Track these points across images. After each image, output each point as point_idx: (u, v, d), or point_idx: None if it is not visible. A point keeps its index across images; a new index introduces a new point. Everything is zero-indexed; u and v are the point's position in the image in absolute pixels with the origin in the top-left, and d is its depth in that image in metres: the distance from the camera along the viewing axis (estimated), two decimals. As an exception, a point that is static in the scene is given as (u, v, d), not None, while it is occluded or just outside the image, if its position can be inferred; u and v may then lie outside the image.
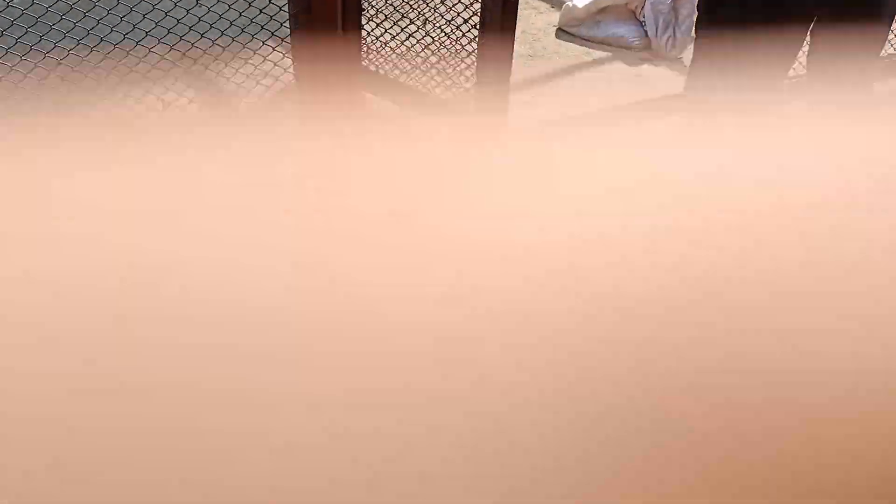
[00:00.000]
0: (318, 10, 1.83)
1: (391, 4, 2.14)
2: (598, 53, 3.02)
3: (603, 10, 3.06)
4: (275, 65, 1.92)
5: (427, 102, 2.34)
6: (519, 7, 2.44)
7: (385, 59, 2.23)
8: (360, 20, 2.02)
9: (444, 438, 0.13)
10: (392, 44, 2.20)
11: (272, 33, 1.87)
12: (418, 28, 2.17)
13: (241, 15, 1.83)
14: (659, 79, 2.86)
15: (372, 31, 2.17)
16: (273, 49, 1.92)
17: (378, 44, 2.21)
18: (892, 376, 0.14)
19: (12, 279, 0.13)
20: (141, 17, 1.71)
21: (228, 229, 0.14)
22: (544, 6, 3.44)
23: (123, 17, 1.69)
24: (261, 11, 1.84)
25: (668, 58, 2.99)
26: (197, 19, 1.79)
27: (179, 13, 1.76)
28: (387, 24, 2.19)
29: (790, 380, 0.13)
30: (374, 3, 2.10)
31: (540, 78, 2.84)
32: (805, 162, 0.16)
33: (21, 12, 1.69)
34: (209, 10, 1.81)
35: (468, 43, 2.22)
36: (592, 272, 0.14)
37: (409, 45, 2.20)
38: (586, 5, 3.09)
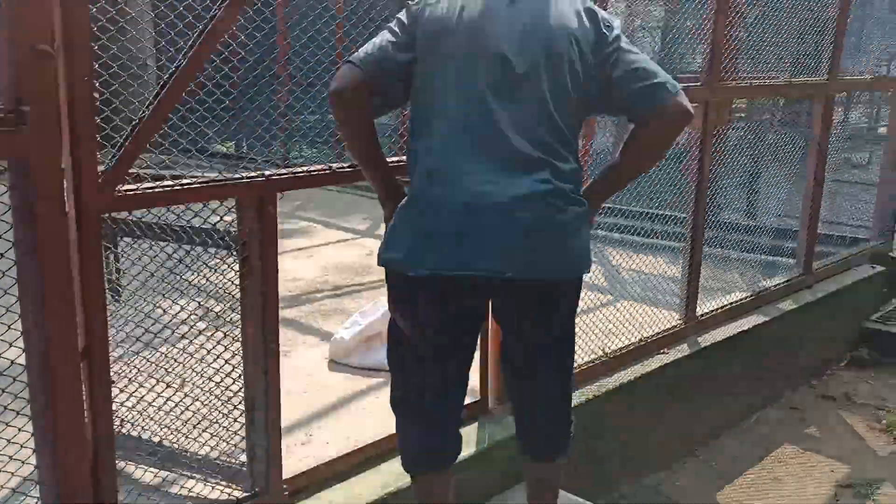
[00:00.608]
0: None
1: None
2: (373, 380, 3.08)
3: (371, 338, 3.17)
4: None
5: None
6: (287, 344, 2.48)
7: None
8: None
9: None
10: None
11: None
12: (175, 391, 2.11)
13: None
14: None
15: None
16: None
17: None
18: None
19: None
20: None
21: None
22: (313, 339, 3.52)
23: None
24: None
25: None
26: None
27: None
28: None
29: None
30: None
31: (315, 414, 2.83)
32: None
33: None
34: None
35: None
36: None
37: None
38: (353, 336, 3.20)
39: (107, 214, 1.85)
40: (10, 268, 1.62)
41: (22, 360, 1.67)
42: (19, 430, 1.74)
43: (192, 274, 2.19)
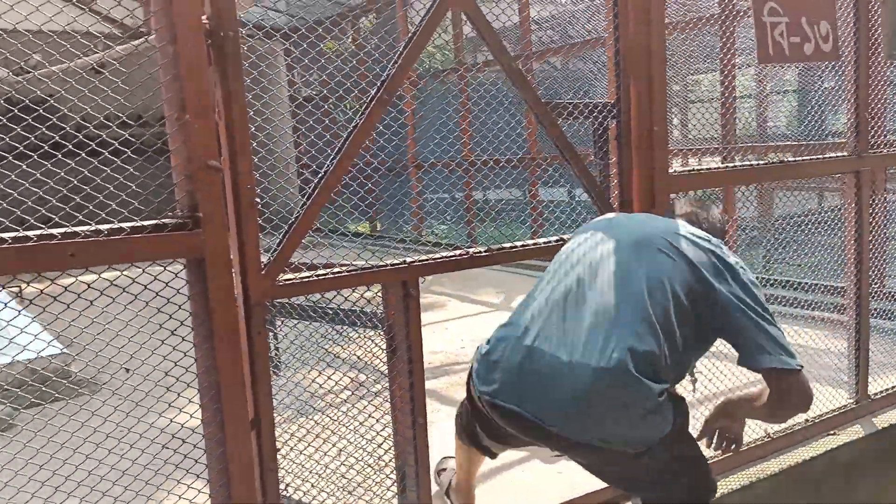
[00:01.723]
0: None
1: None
2: (520, 453, 3.16)
3: None
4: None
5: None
6: (432, 415, 2.64)
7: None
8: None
9: None
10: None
11: None
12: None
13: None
14: None
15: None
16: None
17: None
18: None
19: None
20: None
21: None
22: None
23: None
24: None
25: None
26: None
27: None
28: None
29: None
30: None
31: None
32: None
33: None
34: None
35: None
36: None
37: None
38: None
39: (269, 301, 2.12)
40: (189, 349, 1.90)
41: (200, 429, 1.93)
42: (199, 491, 2.00)
43: (343, 349, 2.41)
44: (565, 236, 2.62)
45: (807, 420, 3.29)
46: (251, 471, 1.99)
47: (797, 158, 3.71)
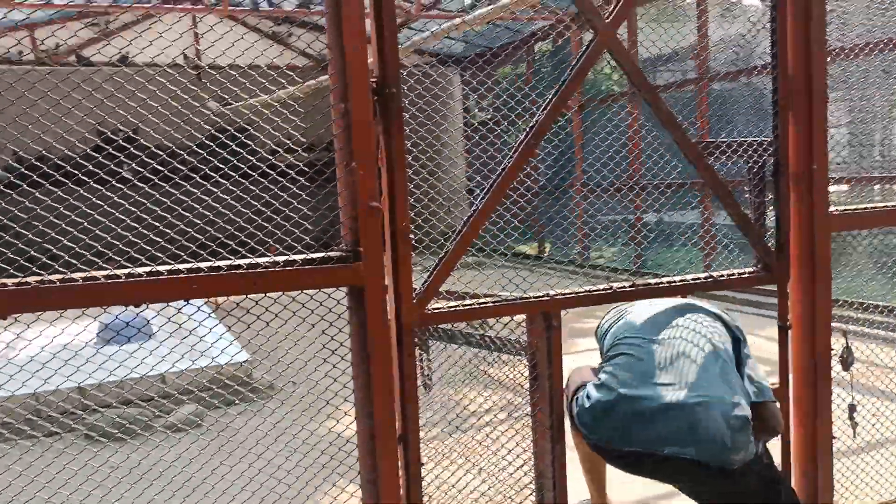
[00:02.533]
0: None
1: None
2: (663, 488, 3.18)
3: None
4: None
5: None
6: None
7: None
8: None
9: None
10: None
11: None
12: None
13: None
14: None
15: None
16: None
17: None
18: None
19: None
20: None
21: None
22: None
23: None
24: None
25: None
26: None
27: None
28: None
29: None
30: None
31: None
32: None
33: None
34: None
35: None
36: None
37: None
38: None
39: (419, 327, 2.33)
40: (347, 367, 2.14)
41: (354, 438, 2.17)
42: (351, 495, 2.23)
43: (491, 373, 2.58)
44: (725, 272, 2.66)
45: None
46: (397, 480, 2.20)
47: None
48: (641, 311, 2.64)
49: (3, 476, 3.24)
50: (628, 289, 2.57)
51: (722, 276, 2.69)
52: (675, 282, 2.63)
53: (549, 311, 2.44)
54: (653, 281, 2.61)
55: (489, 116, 13.45)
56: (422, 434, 2.26)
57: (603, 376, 2.44)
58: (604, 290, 2.54)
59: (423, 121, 2.05)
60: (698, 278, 2.66)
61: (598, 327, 2.82)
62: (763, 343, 5.90)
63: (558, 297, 2.44)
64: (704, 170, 2.65)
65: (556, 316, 2.45)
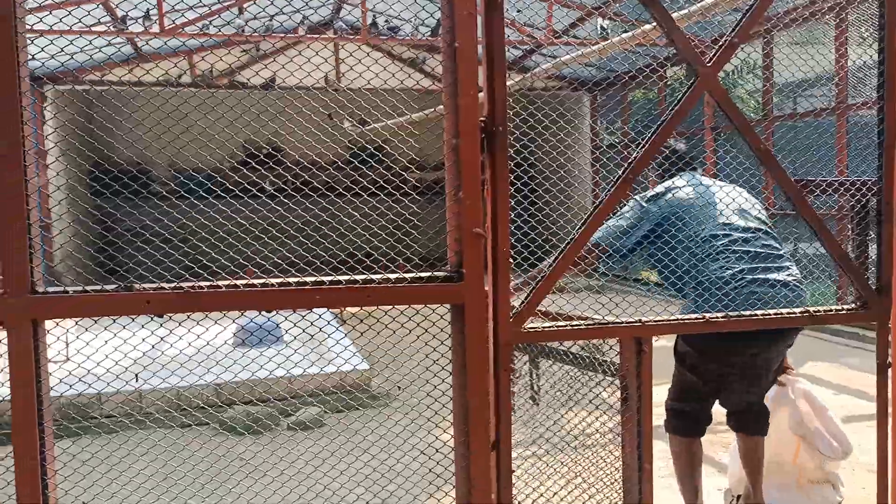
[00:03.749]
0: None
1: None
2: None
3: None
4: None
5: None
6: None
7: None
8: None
9: None
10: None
11: None
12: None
13: None
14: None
15: None
16: None
17: None
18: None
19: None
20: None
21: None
22: (709, 468, 3.75)
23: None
24: None
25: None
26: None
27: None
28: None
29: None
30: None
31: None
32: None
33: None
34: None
35: None
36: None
37: None
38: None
39: (515, 344, 2.53)
40: (447, 377, 2.37)
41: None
42: (445, 494, 2.45)
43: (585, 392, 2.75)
44: (822, 307, 2.72)
45: None
46: (489, 485, 2.40)
47: None
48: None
49: (140, 459, 3.68)
50: (721, 318, 2.68)
51: (819, 311, 2.75)
52: (769, 315, 2.71)
53: (641, 337, 2.58)
54: (746, 313, 2.71)
55: (617, 139, 13.46)
56: (520, 450, 2.45)
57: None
58: (696, 319, 2.66)
59: (554, 143, 2.26)
60: (794, 313, 2.72)
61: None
62: (852, 374, 5.69)
63: (650, 323, 2.58)
64: (804, 207, 2.72)
65: (647, 341, 2.59)
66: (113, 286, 2.11)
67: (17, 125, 2.00)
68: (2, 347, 2.03)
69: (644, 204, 3.20)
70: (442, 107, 2.35)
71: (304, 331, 7.26)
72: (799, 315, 2.74)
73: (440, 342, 2.36)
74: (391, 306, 2.26)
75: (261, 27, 9.16)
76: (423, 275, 2.29)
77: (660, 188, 3.27)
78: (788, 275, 3.11)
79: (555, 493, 2.72)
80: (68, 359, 6.13)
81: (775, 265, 3.10)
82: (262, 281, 2.17)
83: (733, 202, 3.20)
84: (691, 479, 3.23)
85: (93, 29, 7.95)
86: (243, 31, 8.56)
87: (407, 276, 2.27)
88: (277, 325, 7.32)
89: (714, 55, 2.59)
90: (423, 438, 2.48)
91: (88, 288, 2.12)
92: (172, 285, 2.13)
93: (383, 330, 2.34)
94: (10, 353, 2.04)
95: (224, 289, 2.14)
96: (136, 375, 5.31)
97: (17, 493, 2.07)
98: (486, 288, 2.33)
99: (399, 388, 2.37)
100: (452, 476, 2.42)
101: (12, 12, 1.97)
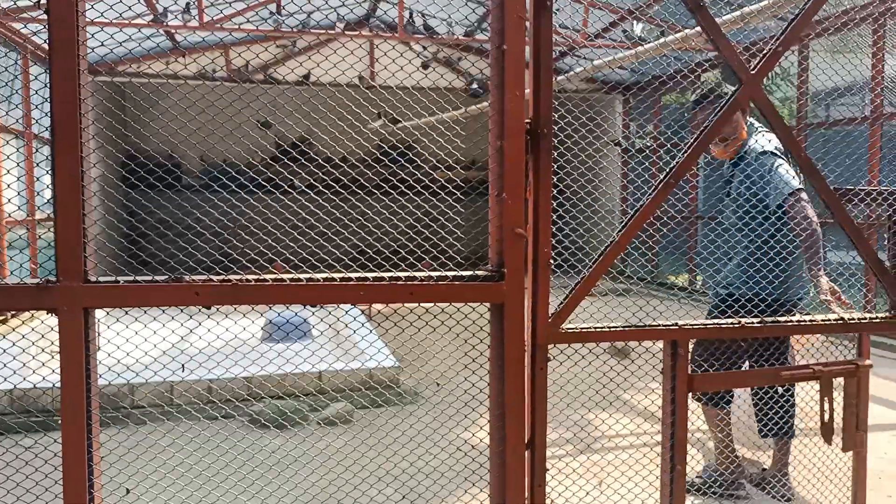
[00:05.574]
0: None
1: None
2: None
3: None
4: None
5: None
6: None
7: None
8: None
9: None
10: None
11: None
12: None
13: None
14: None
15: None
16: None
17: None
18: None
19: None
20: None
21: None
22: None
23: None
24: None
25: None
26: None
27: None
28: None
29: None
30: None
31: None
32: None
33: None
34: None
35: None
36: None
37: None
38: None
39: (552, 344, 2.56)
40: (484, 375, 2.40)
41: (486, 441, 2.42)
42: (480, 489, 2.48)
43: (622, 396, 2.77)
44: (857, 315, 2.71)
45: None
46: (523, 482, 2.43)
47: None
48: None
49: (166, 449, 3.74)
50: (756, 324, 2.68)
51: (853, 318, 2.75)
52: (804, 321, 2.71)
53: (678, 340, 2.60)
54: (782, 319, 2.71)
55: (647, 143, 13.41)
56: (555, 449, 2.48)
57: None
58: (732, 323, 2.67)
59: (584, 146, 2.30)
60: (828, 320, 2.72)
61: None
62: (879, 383, 5.64)
63: (685, 327, 2.60)
64: (840, 214, 2.72)
65: (683, 344, 2.60)
66: (163, 277, 2.16)
67: (76, 117, 2.06)
68: (34, 336, 2.09)
69: (781, 157, 3.50)
70: (476, 107, 2.38)
71: (330, 326, 7.33)
72: (833, 323, 2.74)
73: (479, 340, 2.39)
74: (432, 304, 2.30)
75: (297, 25, 9.25)
76: (464, 273, 2.32)
77: (769, 146, 3.55)
78: None
79: (587, 493, 2.75)
80: (99, 348, 6.22)
81: None
82: (307, 276, 2.22)
83: None
84: (731, 450, 3.39)
85: (133, 22, 8.07)
86: (280, 26, 8.64)
87: (448, 273, 2.31)
88: (305, 320, 7.40)
89: (758, 63, 2.59)
90: (449, 437, 2.52)
91: (139, 278, 2.17)
92: (220, 277, 2.18)
93: (419, 328, 2.37)
94: (62, 339, 2.10)
95: (270, 282, 2.19)
96: (183, 365, 5.40)
97: (64, 476, 2.12)
98: (526, 287, 2.36)
99: (438, 384, 2.40)
100: (473, 474, 2.46)
101: (75, 5, 2.03)
